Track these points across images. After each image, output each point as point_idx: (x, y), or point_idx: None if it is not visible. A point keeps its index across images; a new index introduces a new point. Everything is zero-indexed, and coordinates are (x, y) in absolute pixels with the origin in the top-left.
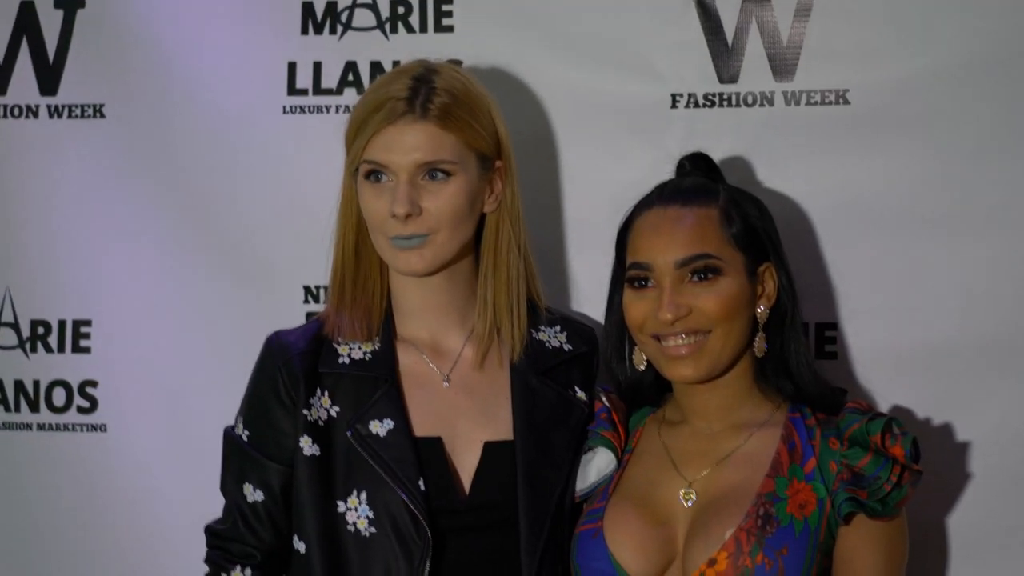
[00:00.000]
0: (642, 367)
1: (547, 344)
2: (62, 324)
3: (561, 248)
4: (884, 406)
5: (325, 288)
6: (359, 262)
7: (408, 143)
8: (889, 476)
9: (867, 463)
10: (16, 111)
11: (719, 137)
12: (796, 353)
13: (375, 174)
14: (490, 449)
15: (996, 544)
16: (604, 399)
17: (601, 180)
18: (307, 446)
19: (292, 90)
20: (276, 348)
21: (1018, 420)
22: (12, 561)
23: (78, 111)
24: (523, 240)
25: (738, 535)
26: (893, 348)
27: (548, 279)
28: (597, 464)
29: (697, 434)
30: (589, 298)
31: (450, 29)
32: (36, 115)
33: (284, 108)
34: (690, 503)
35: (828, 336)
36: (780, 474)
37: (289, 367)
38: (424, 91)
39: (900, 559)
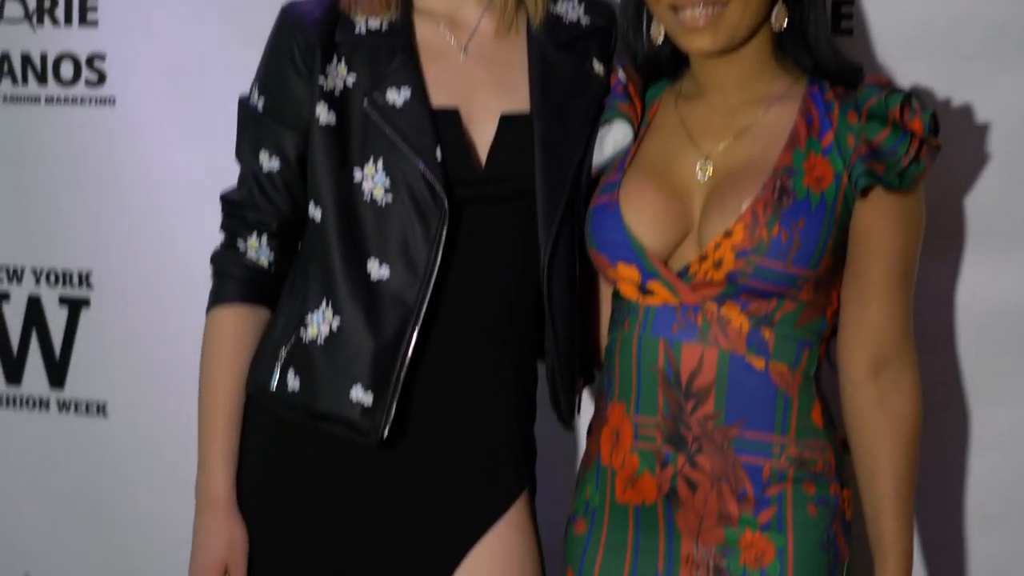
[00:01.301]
0: (659, 40)
1: (565, 18)
2: None
3: None
4: (902, 85)
5: None
6: None
7: None
8: (907, 150)
9: (885, 137)
10: None
11: None
12: (815, 26)
13: None
14: (507, 121)
15: (1012, 225)
16: (621, 72)
17: None
18: (323, 115)
19: None
20: (291, 17)
21: None
22: (13, 235)
23: None
24: None
25: (755, 207)
26: (912, 25)
27: None
28: (613, 137)
29: (714, 108)
30: None
31: None
32: None
33: None
34: (706, 176)
35: (845, 12)
36: (797, 147)
37: (305, 35)
38: None
39: (916, 234)
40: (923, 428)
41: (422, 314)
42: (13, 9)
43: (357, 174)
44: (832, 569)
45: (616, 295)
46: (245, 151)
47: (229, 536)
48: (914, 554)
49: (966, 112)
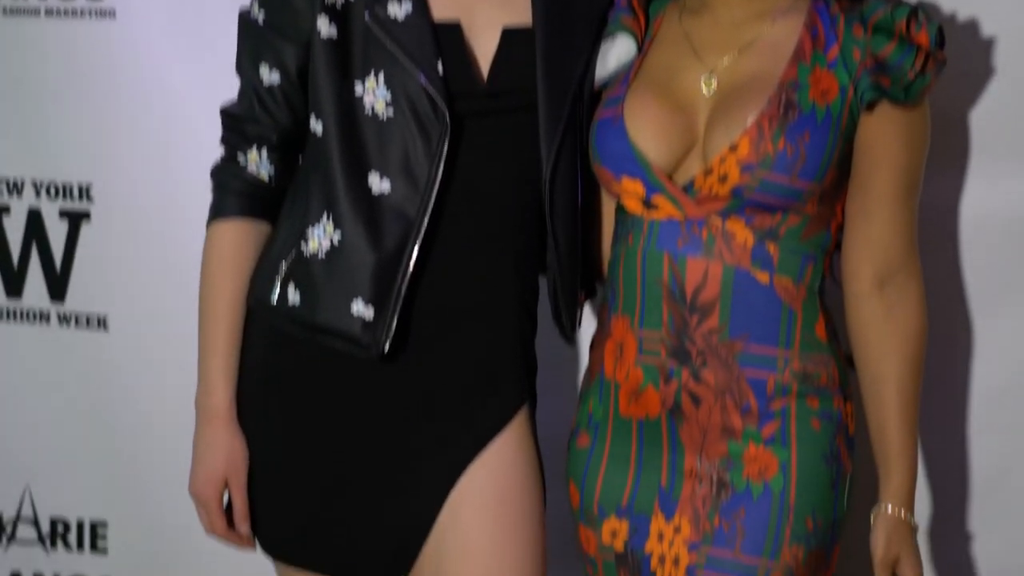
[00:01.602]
0: None
1: None
2: None
3: None
4: None
5: None
6: None
7: None
8: (913, 63)
9: (891, 51)
10: None
11: None
12: None
13: None
14: (509, 34)
15: (1016, 138)
16: None
17: None
18: (324, 28)
19: None
20: None
21: None
22: (13, 148)
23: None
24: None
25: (760, 121)
26: None
27: None
28: (617, 51)
29: (719, 21)
30: None
31: None
32: None
33: None
34: (711, 91)
35: None
36: (803, 61)
37: None
38: None
39: (922, 147)
40: (927, 339)
41: (423, 228)
42: None
43: (358, 88)
44: (835, 483)
45: (620, 209)
46: (245, 64)
47: (229, 449)
48: (918, 464)
49: (972, 26)
